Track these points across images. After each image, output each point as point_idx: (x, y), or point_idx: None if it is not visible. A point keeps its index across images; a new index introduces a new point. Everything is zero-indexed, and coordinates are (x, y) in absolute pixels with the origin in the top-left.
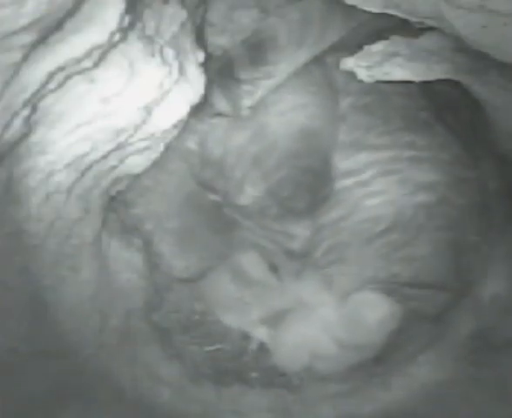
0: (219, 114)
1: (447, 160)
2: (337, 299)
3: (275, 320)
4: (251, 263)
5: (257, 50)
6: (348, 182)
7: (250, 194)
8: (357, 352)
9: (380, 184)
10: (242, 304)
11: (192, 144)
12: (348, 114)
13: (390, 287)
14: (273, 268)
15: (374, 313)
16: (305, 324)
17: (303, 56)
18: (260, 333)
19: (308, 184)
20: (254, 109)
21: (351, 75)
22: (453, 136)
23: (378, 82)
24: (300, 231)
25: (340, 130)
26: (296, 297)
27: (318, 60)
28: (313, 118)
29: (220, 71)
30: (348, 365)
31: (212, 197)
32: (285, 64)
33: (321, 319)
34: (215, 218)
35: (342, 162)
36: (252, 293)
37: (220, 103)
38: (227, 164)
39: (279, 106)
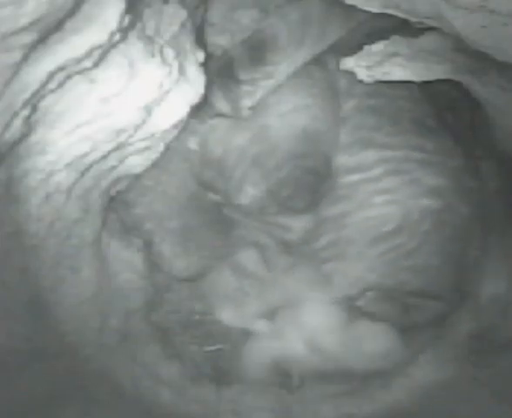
0: (220, 114)
1: (454, 167)
2: (334, 299)
3: (274, 315)
4: (250, 261)
5: (257, 50)
6: (355, 178)
7: (250, 194)
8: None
9: (388, 182)
10: (241, 301)
11: (192, 144)
12: (352, 116)
13: (393, 295)
14: (272, 265)
15: (376, 343)
16: (303, 323)
17: (303, 56)
18: (260, 327)
19: (309, 184)
20: (255, 110)
21: (353, 77)
22: (458, 145)
23: (381, 85)
24: (298, 224)
25: (343, 131)
26: (293, 294)
27: (318, 61)
28: (314, 120)
29: (220, 71)
30: (346, 367)
31: (213, 197)
32: (285, 65)
33: (319, 321)
34: (216, 218)
35: (347, 159)
36: (251, 290)
37: (220, 103)
38: (227, 164)
39: (280, 107)
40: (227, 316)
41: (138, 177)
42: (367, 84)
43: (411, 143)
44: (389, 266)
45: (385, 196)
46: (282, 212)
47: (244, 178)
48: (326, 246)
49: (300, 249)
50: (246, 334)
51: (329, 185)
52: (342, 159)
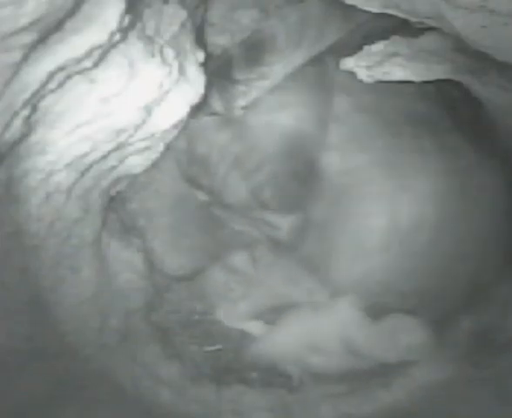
0: (214, 113)
1: (454, 170)
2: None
3: (272, 315)
4: (242, 261)
5: (254, 50)
6: (344, 180)
7: (233, 193)
8: (361, 360)
9: (379, 186)
10: (238, 300)
11: (182, 142)
12: (348, 114)
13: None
14: (261, 264)
15: (408, 336)
16: (306, 322)
17: (300, 57)
18: (256, 328)
19: (290, 187)
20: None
21: (351, 75)
22: (467, 143)
23: (380, 84)
24: (285, 223)
25: (338, 130)
26: (290, 294)
27: (314, 62)
28: (299, 119)
29: (218, 72)
30: (346, 369)
31: (199, 194)
32: (281, 65)
33: (327, 319)
34: (205, 215)
35: (338, 160)
36: (247, 289)
37: (216, 102)
38: (212, 161)
39: (267, 107)
40: (223, 315)
41: (136, 176)
42: (366, 84)
43: (407, 145)
44: (377, 287)
45: (374, 204)
46: (265, 212)
47: (226, 177)
48: (311, 257)
49: (292, 250)
50: (246, 335)
51: (317, 186)
52: (333, 159)
